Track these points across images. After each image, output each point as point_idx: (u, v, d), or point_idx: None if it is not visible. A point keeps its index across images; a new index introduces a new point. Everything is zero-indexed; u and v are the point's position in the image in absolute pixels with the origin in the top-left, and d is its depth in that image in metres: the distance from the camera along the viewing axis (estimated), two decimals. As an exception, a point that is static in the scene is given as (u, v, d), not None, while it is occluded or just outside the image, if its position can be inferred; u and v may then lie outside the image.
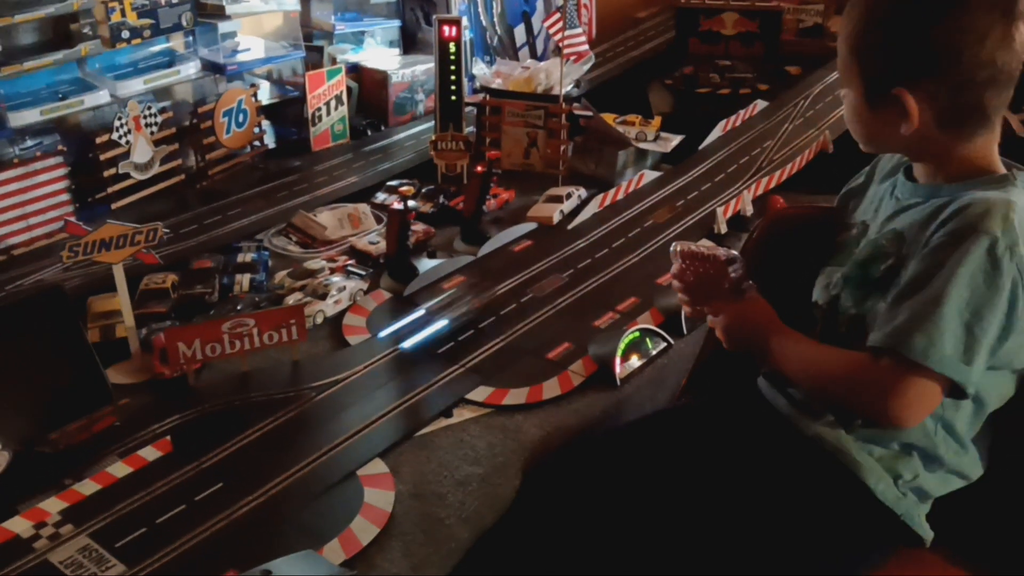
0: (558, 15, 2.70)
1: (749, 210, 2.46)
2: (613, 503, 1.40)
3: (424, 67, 3.18)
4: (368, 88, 3.21)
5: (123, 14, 2.45)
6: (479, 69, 3.11)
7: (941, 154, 1.25)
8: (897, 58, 1.21)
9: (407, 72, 3.19)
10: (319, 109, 2.95)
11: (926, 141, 1.24)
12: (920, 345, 1.14)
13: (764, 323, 1.33)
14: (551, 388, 1.77)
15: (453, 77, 2.72)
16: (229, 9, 2.73)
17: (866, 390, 1.21)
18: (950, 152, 1.24)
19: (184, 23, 2.63)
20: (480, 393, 1.75)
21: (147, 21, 2.52)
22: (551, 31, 2.72)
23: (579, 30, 2.77)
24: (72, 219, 2.22)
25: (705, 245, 1.42)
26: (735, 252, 1.40)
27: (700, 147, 2.96)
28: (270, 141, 2.94)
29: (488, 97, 2.85)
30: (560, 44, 2.72)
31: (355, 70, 3.19)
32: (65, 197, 2.39)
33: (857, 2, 1.26)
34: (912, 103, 1.20)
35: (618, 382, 1.79)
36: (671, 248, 1.42)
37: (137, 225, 1.78)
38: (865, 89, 1.25)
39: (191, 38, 2.73)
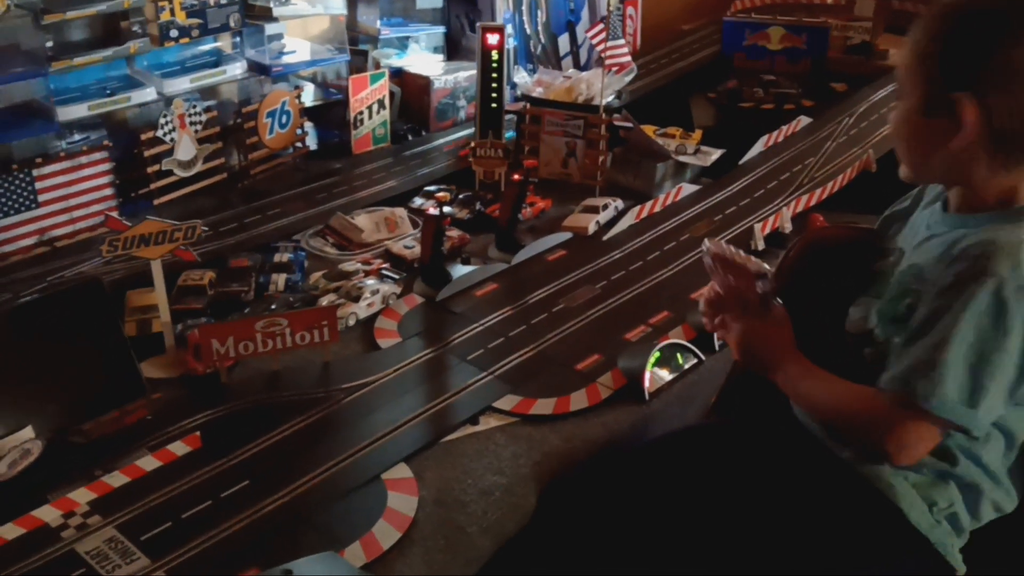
0: (602, 25, 2.70)
1: (788, 227, 2.44)
2: (635, 520, 1.38)
3: (467, 73, 3.19)
4: (410, 93, 3.23)
5: (172, 13, 2.48)
6: (520, 77, 3.12)
7: (979, 181, 1.22)
8: (965, 64, 1.17)
9: (449, 78, 3.20)
10: (361, 113, 2.97)
11: (970, 163, 1.20)
12: (923, 390, 1.13)
13: (780, 346, 1.31)
14: (579, 400, 1.77)
15: (494, 85, 2.74)
16: (276, 11, 2.77)
17: (867, 426, 1.21)
18: (988, 180, 1.21)
19: (232, 24, 2.67)
20: (507, 402, 1.75)
21: (195, 21, 2.56)
22: (594, 41, 2.73)
23: (622, 41, 2.77)
24: (114, 214, 2.27)
25: (737, 252, 1.39)
26: (767, 267, 1.37)
27: (740, 162, 2.94)
28: (312, 143, 2.97)
29: (528, 105, 2.85)
30: (603, 55, 2.71)
31: (398, 75, 3.21)
32: (109, 191, 2.43)
33: (931, 14, 1.22)
34: (970, 112, 1.17)
35: (647, 396, 1.78)
36: (703, 245, 1.39)
37: (176, 222, 1.81)
38: (925, 92, 1.22)
39: (238, 39, 2.77)
